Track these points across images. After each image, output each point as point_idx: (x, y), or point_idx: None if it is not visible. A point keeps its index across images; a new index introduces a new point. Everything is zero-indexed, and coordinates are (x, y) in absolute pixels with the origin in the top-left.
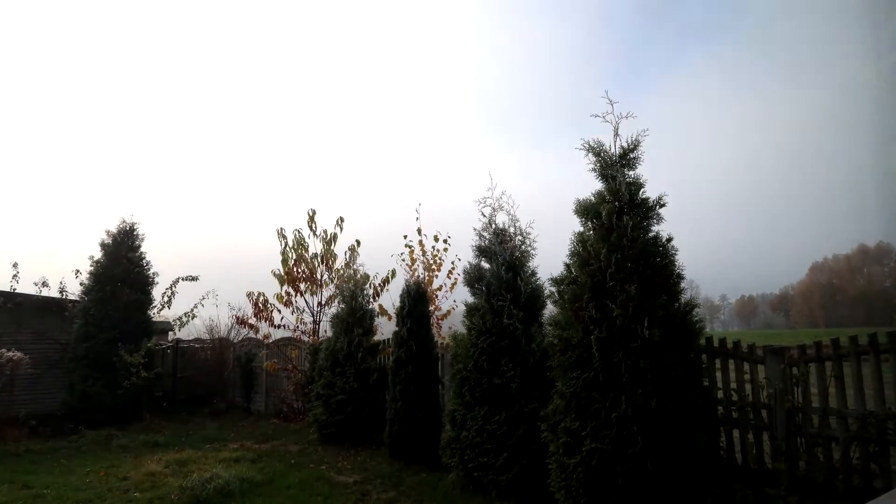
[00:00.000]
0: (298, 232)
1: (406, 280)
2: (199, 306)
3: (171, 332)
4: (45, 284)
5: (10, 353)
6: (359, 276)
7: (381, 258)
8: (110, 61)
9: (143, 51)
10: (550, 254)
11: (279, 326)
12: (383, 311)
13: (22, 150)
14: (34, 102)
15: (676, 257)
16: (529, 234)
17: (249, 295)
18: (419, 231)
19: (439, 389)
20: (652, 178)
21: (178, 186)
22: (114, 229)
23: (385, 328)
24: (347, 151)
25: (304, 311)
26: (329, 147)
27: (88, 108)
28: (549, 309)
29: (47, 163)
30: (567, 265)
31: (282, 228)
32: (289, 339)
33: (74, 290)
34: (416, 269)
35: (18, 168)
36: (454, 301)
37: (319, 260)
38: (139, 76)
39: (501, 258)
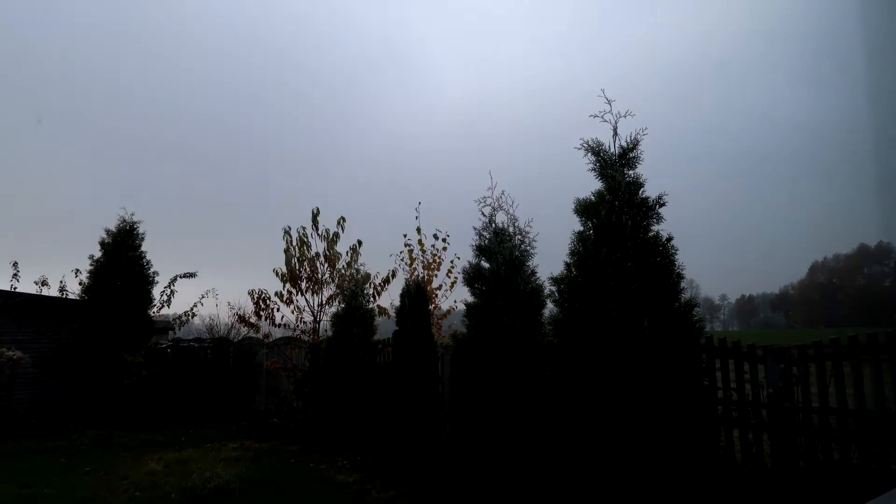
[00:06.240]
0: (303, 229)
1: (406, 279)
2: (199, 305)
3: (171, 332)
4: (45, 283)
5: (11, 353)
6: (360, 275)
7: (382, 257)
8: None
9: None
10: (550, 253)
11: (280, 325)
12: (383, 311)
13: (22, 147)
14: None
15: (676, 257)
16: (528, 233)
17: (251, 293)
18: (418, 230)
19: (439, 389)
20: (651, 176)
21: (179, 185)
22: (114, 228)
23: (385, 327)
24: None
25: (304, 310)
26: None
27: (90, 106)
28: (549, 308)
29: (48, 162)
30: (567, 264)
31: (288, 227)
32: (289, 338)
33: (74, 290)
34: (415, 269)
35: (20, 167)
36: (454, 301)
37: (322, 259)
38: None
39: (501, 257)
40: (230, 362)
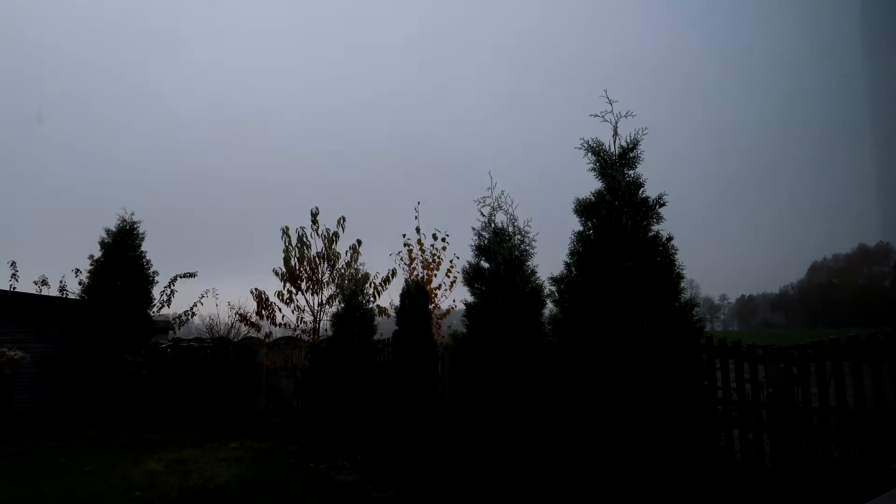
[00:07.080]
0: (302, 230)
1: (406, 279)
2: (199, 305)
3: (171, 331)
4: (45, 283)
5: (11, 353)
6: (360, 275)
7: (381, 257)
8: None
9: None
10: (550, 253)
11: (280, 325)
12: (383, 311)
13: (22, 146)
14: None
15: (676, 256)
16: (528, 233)
17: (252, 291)
18: (418, 230)
19: (439, 388)
20: (651, 176)
21: (179, 184)
22: (114, 228)
23: (385, 327)
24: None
25: (304, 309)
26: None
27: (90, 104)
28: (549, 308)
29: (48, 161)
30: (567, 264)
31: (286, 227)
32: (289, 338)
33: (75, 290)
34: (415, 269)
35: (19, 166)
36: (454, 301)
37: (321, 258)
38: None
39: (500, 257)
40: (230, 362)
